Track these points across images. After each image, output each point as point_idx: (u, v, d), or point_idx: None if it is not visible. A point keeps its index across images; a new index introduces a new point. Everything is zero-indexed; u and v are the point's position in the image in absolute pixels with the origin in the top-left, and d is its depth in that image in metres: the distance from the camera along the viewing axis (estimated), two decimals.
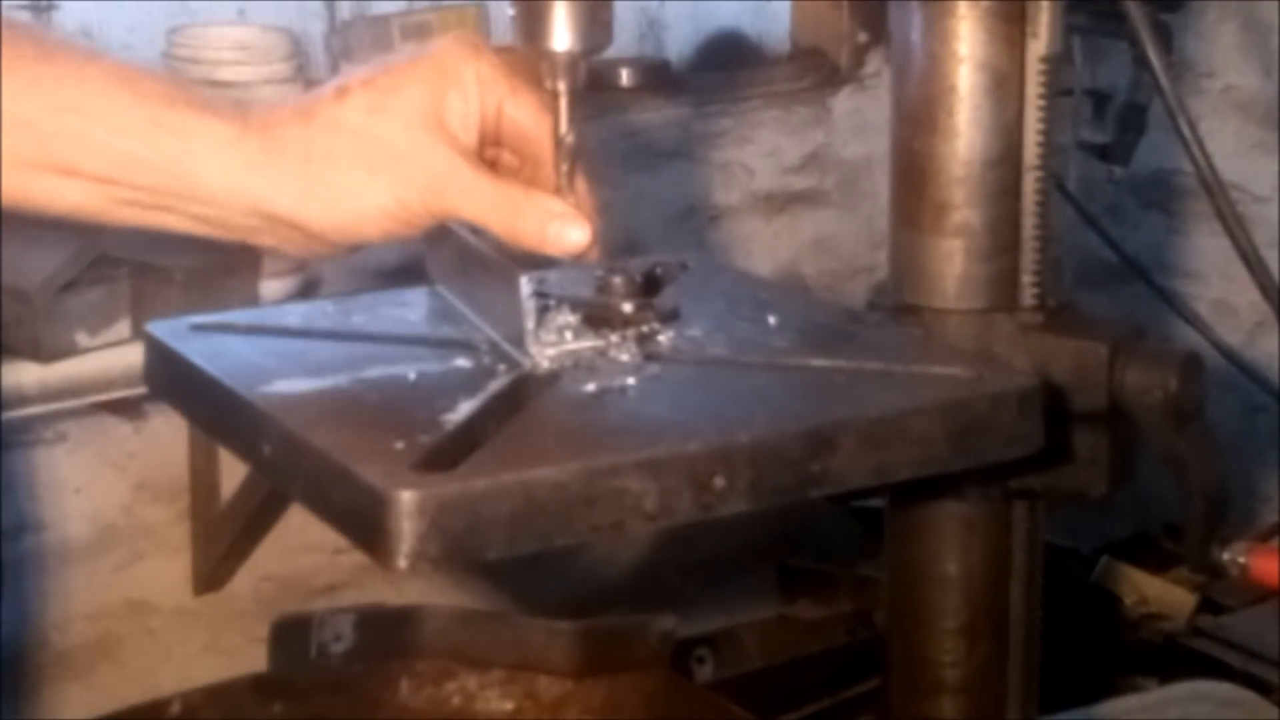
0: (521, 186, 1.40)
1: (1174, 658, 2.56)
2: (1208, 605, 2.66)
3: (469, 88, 1.38)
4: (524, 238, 1.39)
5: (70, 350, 2.49)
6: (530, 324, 1.44)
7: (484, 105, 1.39)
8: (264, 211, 1.35)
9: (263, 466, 1.38)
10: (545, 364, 1.43)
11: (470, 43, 1.39)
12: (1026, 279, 1.67)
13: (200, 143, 1.32)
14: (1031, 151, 1.66)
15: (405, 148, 1.34)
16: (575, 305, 1.54)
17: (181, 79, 1.36)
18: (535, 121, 1.42)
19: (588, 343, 1.46)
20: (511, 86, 1.40)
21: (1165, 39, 2.36)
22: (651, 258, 1.73)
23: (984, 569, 1.72)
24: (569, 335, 1.46)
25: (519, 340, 1.44)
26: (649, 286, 1.62)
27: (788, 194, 3.40)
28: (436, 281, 1.60)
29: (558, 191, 1.44)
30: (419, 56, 1.38)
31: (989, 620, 1.73)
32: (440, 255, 1.59)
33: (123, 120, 1.31)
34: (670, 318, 1.54)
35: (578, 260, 1.47)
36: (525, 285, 1.43)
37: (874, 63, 3.41)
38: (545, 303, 1.47)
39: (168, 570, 2.92)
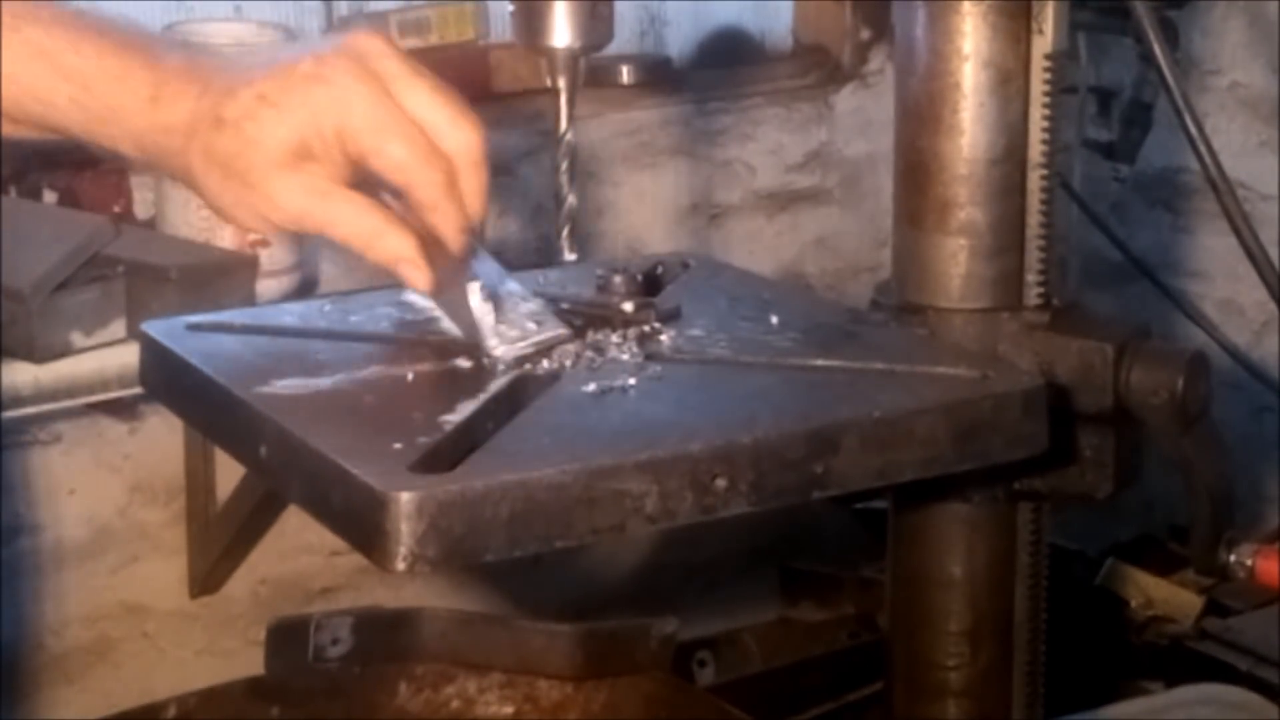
0: (384, 215, 1.39)
1: (1180, 661, 2.55)
2: (1214, 608, 2.64)
3: (354, 104, 1.36)
4: (379, 265, 1.41)
5: (65, 350, 2.48)
6: (488, 325, 1.42)
7: (369, 118, 1.37)
8: (169, 169, 1.41)
9: (259, 467, 1.38)
10: (510, 357, 1.41)
11: (362, 53, 1.38)
12: (1031, 278, 1.67)
13: (124, 112, 1.38)
14: (1036, 149, 1.65)
15: (264, 185, 1.37)
16: (575, 305, 1.53)
17: (107, 27, 1.37)
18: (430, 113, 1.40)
19: (551, 332, 1.44)
20: (410, 84, 1.38)
21: (1171, 36, 2.35)
22: (652, 257, 1.72)
23: (988, 571, 1.72)
24: (532, 325, 1.44)
25: (479, 343, 1.43)
26: (650, 286, 1.62)
27: (790, 192, 3.39)
28: None
29: (556, 193, 1.43)
30: (311, 69, 1.37)
31: (993, 623, 1.72)
32: None
33: (49, 95, 1.38)
34: (671, 317, 1.54)
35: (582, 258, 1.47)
36: (476, 293, 1.42)
37: (877, 60, 3.39)
38: (496, 299, 1.44)
39: (163, 573, 2.91)
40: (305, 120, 1.36)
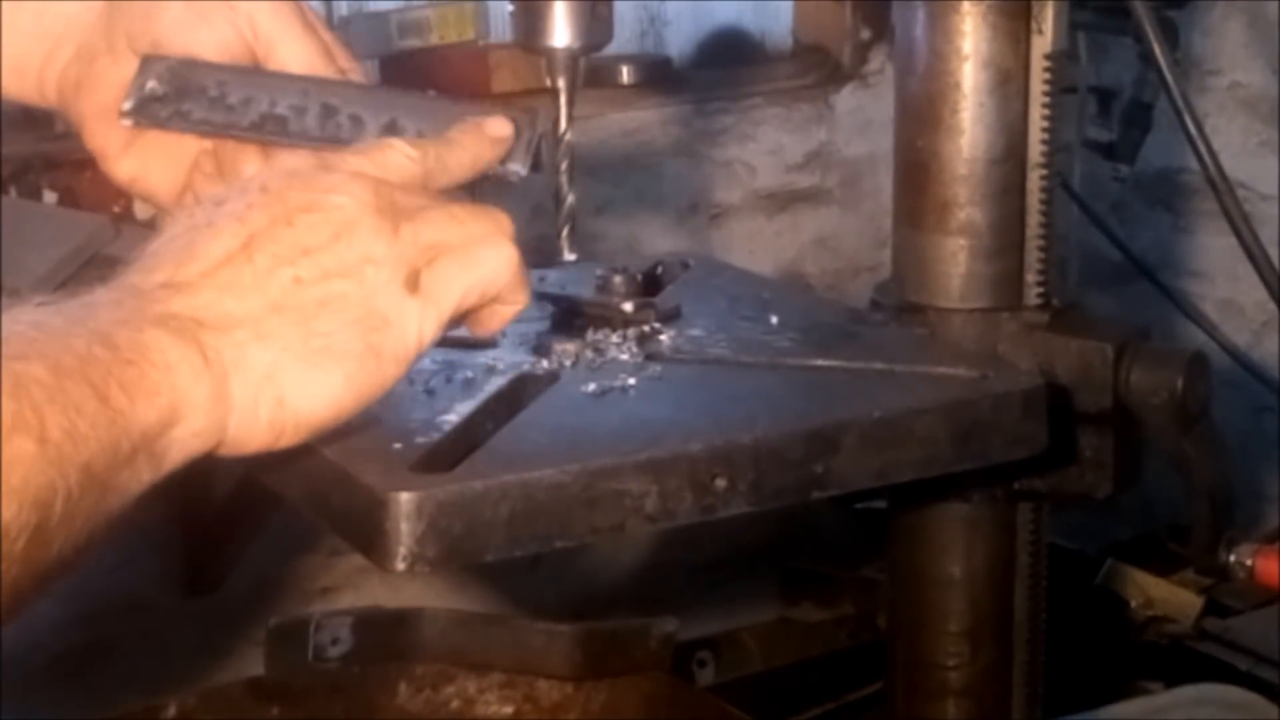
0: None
1: (1180, 660, 2.55)
2: (1214, 608, 2.65)
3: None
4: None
5: None
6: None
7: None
8: None
9: (259, 467, 1.37)
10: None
11: None
12: (1031, 278, 1.67)
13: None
14: (1036, 149, 1.65)
15: None
16: (575, 305, 1.53)
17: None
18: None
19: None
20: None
21: (1171, 36, 2.35)
22: (652, 256, 1.72)
23: (988, 571, 1.72)
24: None
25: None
26: (650, 285, 1.62)
27: (790, 192, 3.39)
28: None
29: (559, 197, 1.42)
30: None
31: (993, 623, 1.72)
32: None
33: None
34: (671, 317, 1.54)
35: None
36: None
37: (877, 60, 3.39)
38: None
39: (163, 571, 2.90)
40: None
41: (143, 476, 1.14)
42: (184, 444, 1.15)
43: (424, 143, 1.30)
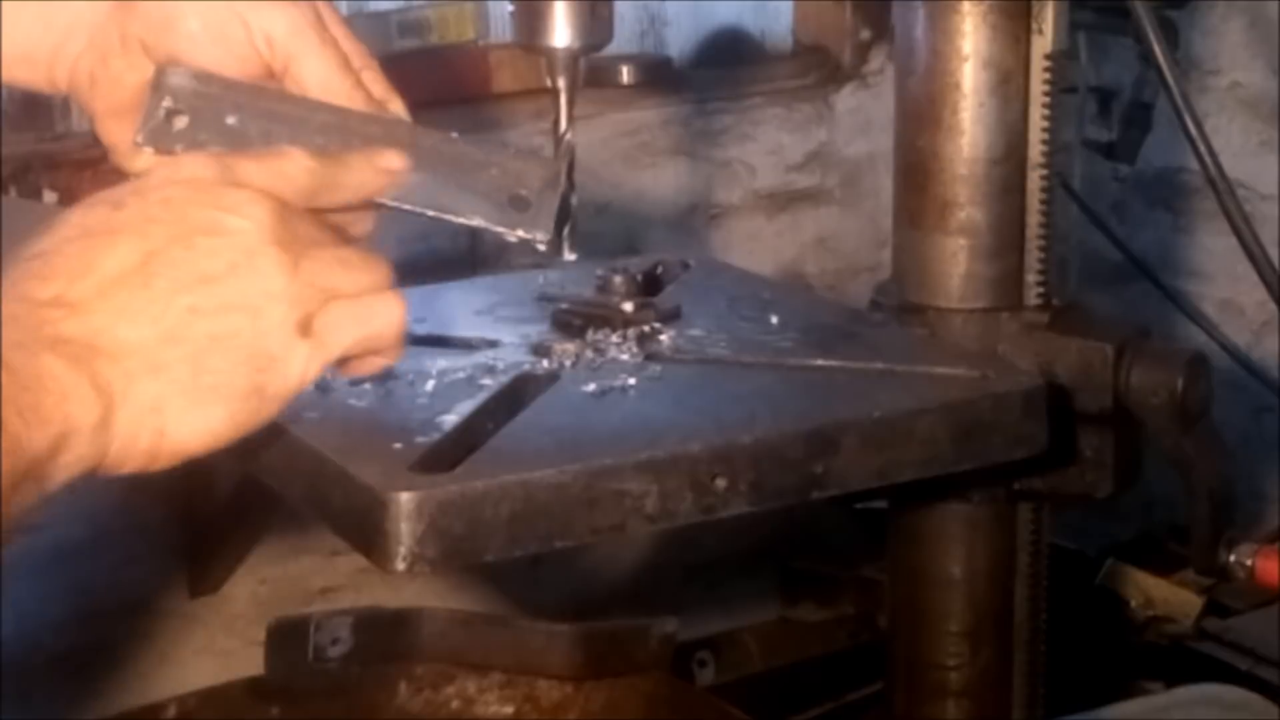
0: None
1: (1180, 661, 2.55)
2: (1214, 608, 2.64)
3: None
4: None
5: None
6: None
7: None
8: None
9: (259, 468, 1.37)
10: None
11: None
12: (1031, 278, 1.67)
13: None
14: (1036, 149, 1.65)
15: None
16: (575, 305, 1.53)
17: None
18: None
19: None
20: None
21: (1171, 36, 2.34)
22: (653, 257, 1.73)
23: (988, 571, 1.72)
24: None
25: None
26: (650, 286, 1.62)
27: (790, 192, 3.38)
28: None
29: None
30: None
31: (993, 623, 1.73)
32: None
33: None
34: (671, 317, 1.54)
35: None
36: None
37: (877, 60, 3.39)
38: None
39: (163, 572, 2.90)
40: None
41: (28, 500, 1.14)
42: (67, 468, 1.16)
43: (322, 158, 1.29)
